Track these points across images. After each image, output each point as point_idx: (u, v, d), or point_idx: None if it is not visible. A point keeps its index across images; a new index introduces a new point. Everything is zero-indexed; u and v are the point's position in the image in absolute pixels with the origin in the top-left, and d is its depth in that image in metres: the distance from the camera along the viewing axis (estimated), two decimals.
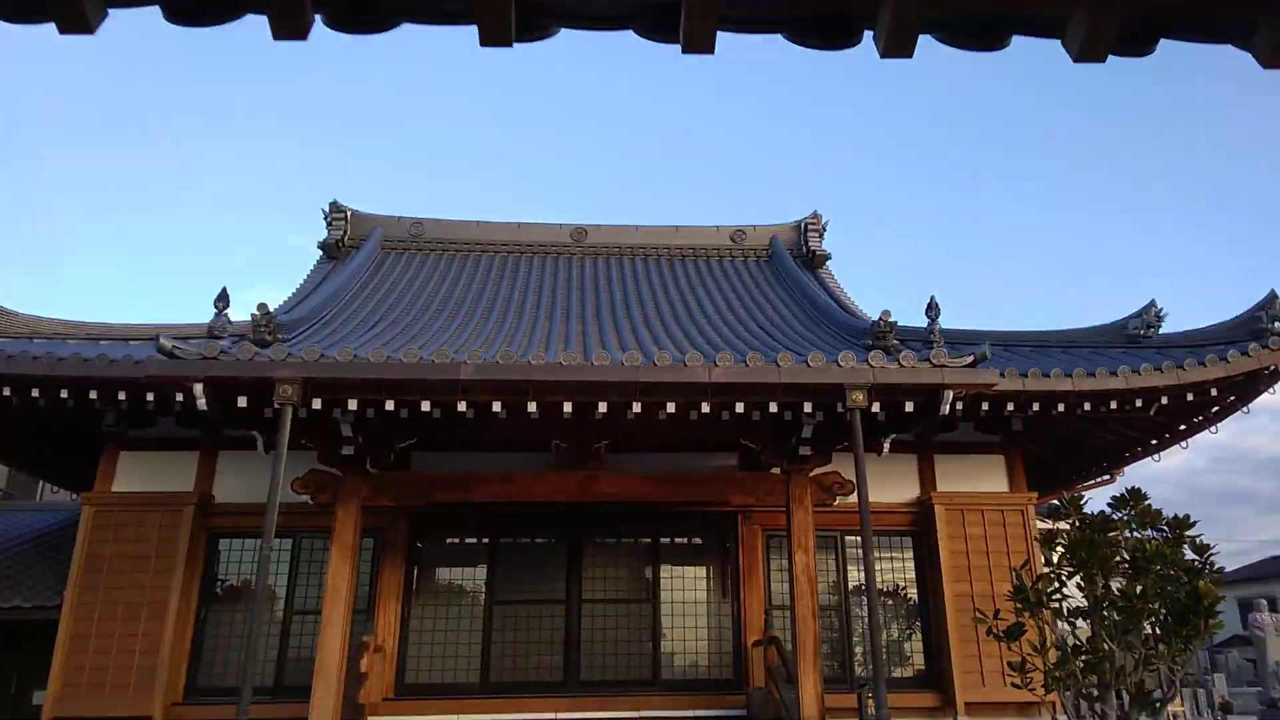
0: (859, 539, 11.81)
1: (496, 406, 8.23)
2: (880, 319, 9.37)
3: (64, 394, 9.55)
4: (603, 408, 8.29)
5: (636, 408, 8.30)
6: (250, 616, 7.52)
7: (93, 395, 9.53)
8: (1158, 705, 6.93)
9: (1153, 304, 11.99)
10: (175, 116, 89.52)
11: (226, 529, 11.46)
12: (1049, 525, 8.61)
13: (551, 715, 10.75)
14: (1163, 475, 77.57)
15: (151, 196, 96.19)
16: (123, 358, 9.33)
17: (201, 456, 11.58)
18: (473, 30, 1.98)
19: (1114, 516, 7.56)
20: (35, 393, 9.55)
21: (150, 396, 9.55)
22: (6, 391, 9.52)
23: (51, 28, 1.92)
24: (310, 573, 11.37)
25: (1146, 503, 7.60)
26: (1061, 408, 10.52)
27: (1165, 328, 12.04)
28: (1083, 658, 7.08)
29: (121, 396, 9.52)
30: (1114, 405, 10.55)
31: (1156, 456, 13.12)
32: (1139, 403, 10.59)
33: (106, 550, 10.78)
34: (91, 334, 11.10)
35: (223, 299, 8.12)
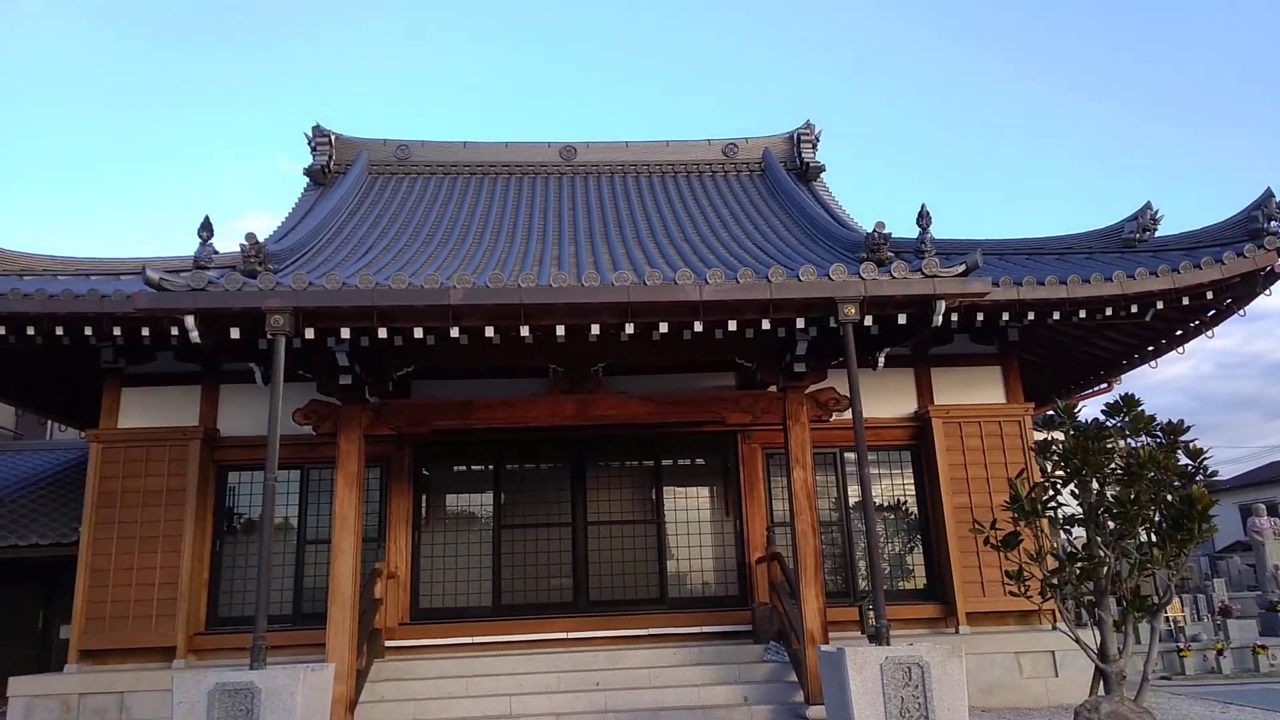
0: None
1: (489, 331, 8.19)
2: (874, 231, 9.24)
3: (59, 331, 9.56)
4: (595, 330, 8.25)
5: (630, 329, 8.25)
6: (260, 546, 7.64)
7: (88, 331, 9.53)
8: (1154, 609, 7.07)
9: (1148, 206, 11.74)
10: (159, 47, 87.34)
11: (234, 462, 11.60)
12: (1046, 435, 8.66)
13: (563, 634, 11.02)
14: (1170, 383, 77.39)
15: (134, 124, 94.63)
16: (114, 293, 9.29)
17: (204, 391, 11.65)
18: None
19: (1108, 424, 7.59)
20: (30, 330, 9.55)
21: (145, 331, 9.57)
22: (1, 330, 9.53)
23: None
24: (320, 503, 11.54)
25: (1140, 409, 7.61)
26: (1057, 316, 10.43)
27: (1162, 230, 11.86)
28: (1079, 564, 7.20)
29: (117, 332, 9.51)
30: (1109, 311, 10.45)
31: (1154, 363, 13.09)
32: (1135, 308, 10.50)
33: (117, 486, 10.93)
34: (81, 269, 11.04)
35: (206, 228, 7.98)
